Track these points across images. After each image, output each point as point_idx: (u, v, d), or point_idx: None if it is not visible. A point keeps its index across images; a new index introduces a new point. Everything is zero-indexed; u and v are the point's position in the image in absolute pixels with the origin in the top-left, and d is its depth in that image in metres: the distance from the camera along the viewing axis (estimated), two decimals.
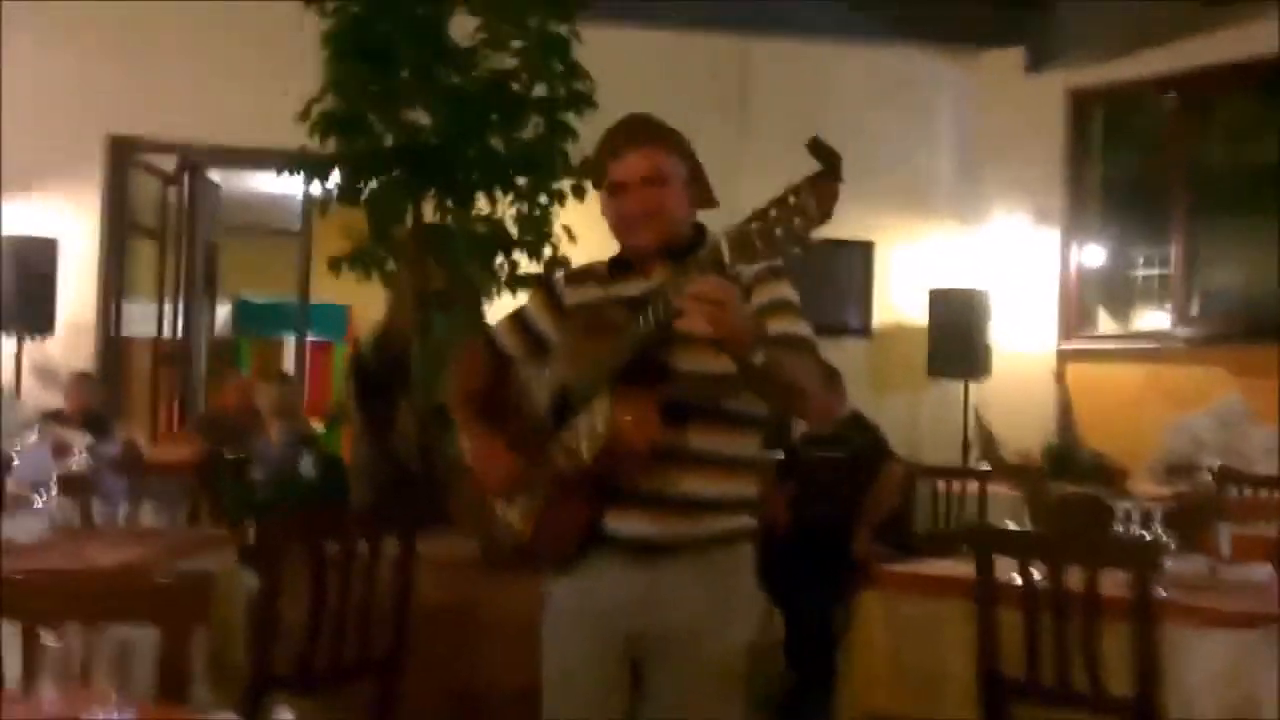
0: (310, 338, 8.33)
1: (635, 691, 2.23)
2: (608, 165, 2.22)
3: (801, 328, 2.17)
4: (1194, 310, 7.07)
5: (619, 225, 2.23)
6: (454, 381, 2.43)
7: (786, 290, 2.20)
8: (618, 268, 2.28)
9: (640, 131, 2.23)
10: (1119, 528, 3.06)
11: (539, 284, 3.15)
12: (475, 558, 3.44)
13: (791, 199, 1.79)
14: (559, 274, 2.54)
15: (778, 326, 2.13)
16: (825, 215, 1.78)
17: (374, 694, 3.00)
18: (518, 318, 2.40)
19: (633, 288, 2.21)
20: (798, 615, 5.02)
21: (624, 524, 2.16)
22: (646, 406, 2.07)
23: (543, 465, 2.20)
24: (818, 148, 1.81)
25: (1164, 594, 2.73)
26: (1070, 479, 5.51)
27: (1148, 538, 2.98)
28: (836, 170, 1.79)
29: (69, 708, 1.30)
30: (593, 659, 2.22)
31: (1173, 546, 3.01)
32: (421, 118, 4.79)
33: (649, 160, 2.19)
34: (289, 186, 6.21)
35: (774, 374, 2.00)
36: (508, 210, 4.89)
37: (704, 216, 2.28)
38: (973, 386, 7.18)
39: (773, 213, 1.81)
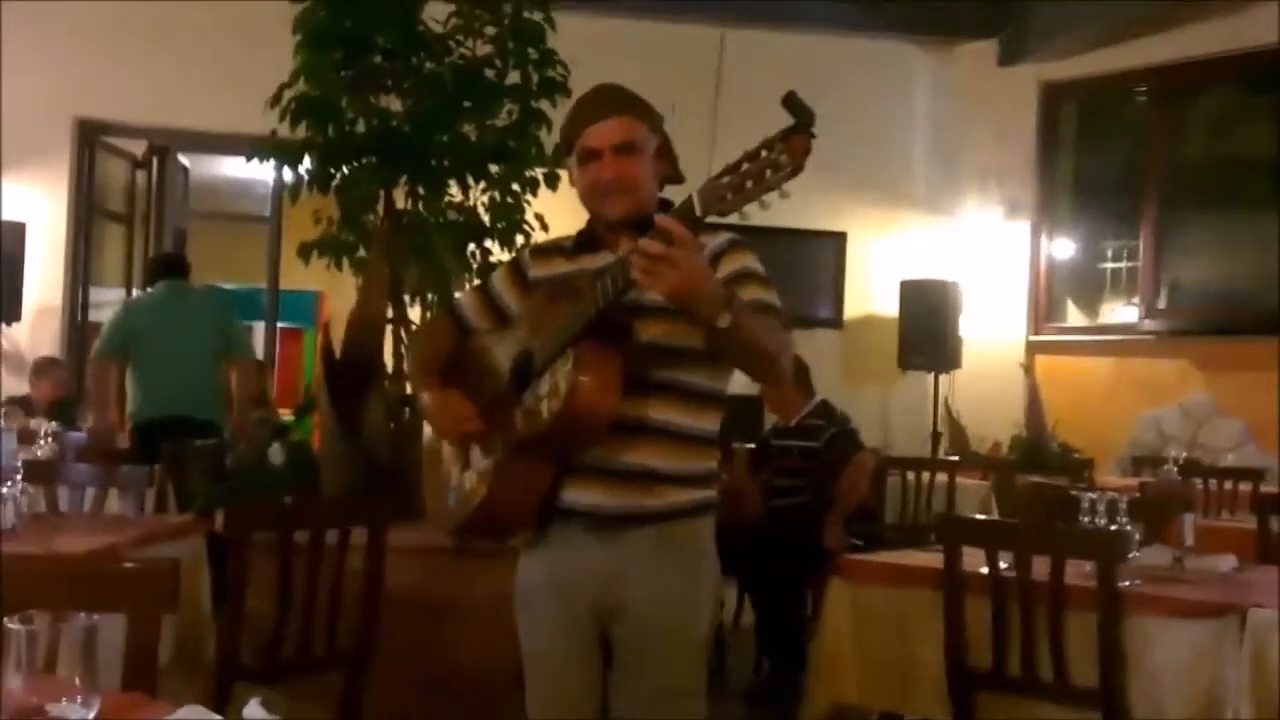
0: (280, 325, 8.28)
1: (608, 661, 2.24)
2: (581, 131, 2.20)
3: (770, 296, 2.16)
4: (1162, 303, 7.13)
5: (590, 193, 2.21)
6: (416, 350, 2.47)
7: (752, 261, 2.19)
8: (584, 242, 2.27)
9: (615, 100, 2.22)
10: (1085, 518, 3.08)
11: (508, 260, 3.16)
12: (445, 547, 3.43)
13: (764, 152, 1.82)
14: (525, 250, 2.53)
15: (745, 296, 2.11)
16: (797, 168, 1.81)
17: (343, 684, 2.99)
18: (482, 290, 2.42)
19: (599, 261, 2.19)
20: (768, 603, 5.05)
21: (581, 495, 2.16)
22: (608, 369, 2.07)
23: (503, 431, 2.19)
24: (792, 102, 1.83)
25: (1129, 584, 2.76)
26: (1038, 470, 5.56)
27: (1114, 528, 3.00)
28: (809, 124, 1.81)
29: (35, 696, 1.28)
30: (561, 631, 2.22)
31: (1138, 537, 3.03)
32: (394, 104, 4.75)
33: (623, 129, 2.18)
34: (259, 172, 6.17)
35: (740, 337, 1.99)
36: (480, 198, 4.86)
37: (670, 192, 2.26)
38: (942, 378, 7.22)
39: (744, 165, 1.83)
